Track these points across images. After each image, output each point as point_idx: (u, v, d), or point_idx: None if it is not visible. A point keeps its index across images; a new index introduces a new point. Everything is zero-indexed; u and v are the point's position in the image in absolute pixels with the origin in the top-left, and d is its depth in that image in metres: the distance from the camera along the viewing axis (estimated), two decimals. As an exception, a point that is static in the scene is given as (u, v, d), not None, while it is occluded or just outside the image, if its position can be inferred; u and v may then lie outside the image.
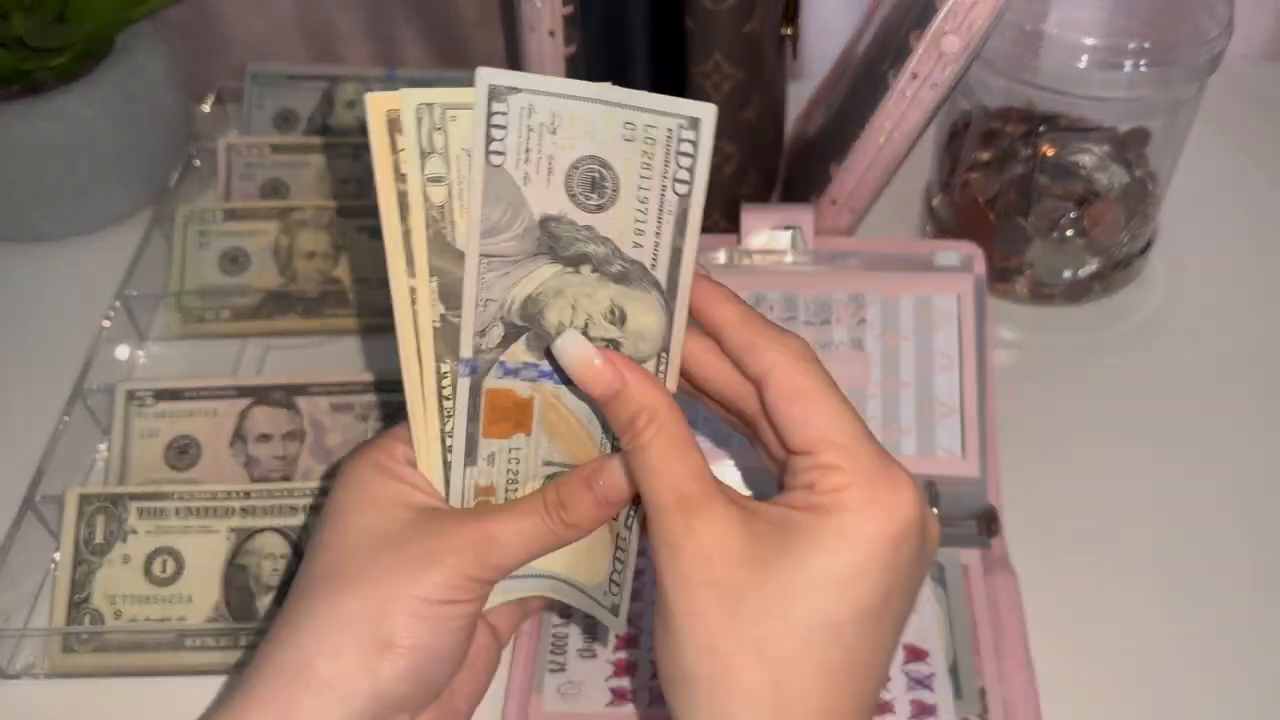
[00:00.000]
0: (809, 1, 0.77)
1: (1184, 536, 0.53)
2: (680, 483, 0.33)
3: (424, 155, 0.33)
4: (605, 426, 0.37)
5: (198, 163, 0.70)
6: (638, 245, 0.34)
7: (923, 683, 0.46)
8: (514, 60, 0.78)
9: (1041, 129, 0.60)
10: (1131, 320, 0.63)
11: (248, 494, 0.50)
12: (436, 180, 0.34)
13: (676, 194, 0.33)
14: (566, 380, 0.36)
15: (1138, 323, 0.63)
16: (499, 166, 0.33)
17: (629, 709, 0.45)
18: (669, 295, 0.34)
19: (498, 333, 0.36)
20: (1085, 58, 0.56)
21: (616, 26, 0.57)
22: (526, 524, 0.36)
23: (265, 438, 0.55)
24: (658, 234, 0.33)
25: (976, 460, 0.51)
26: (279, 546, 0.50)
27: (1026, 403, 0.57)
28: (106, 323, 0.60)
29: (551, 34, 0.53)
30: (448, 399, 0.37)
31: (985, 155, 0.62)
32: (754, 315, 0.35)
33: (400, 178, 0.34)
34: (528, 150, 0.33)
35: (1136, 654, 0.48)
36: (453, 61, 0.80)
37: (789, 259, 0.55)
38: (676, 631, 0.32)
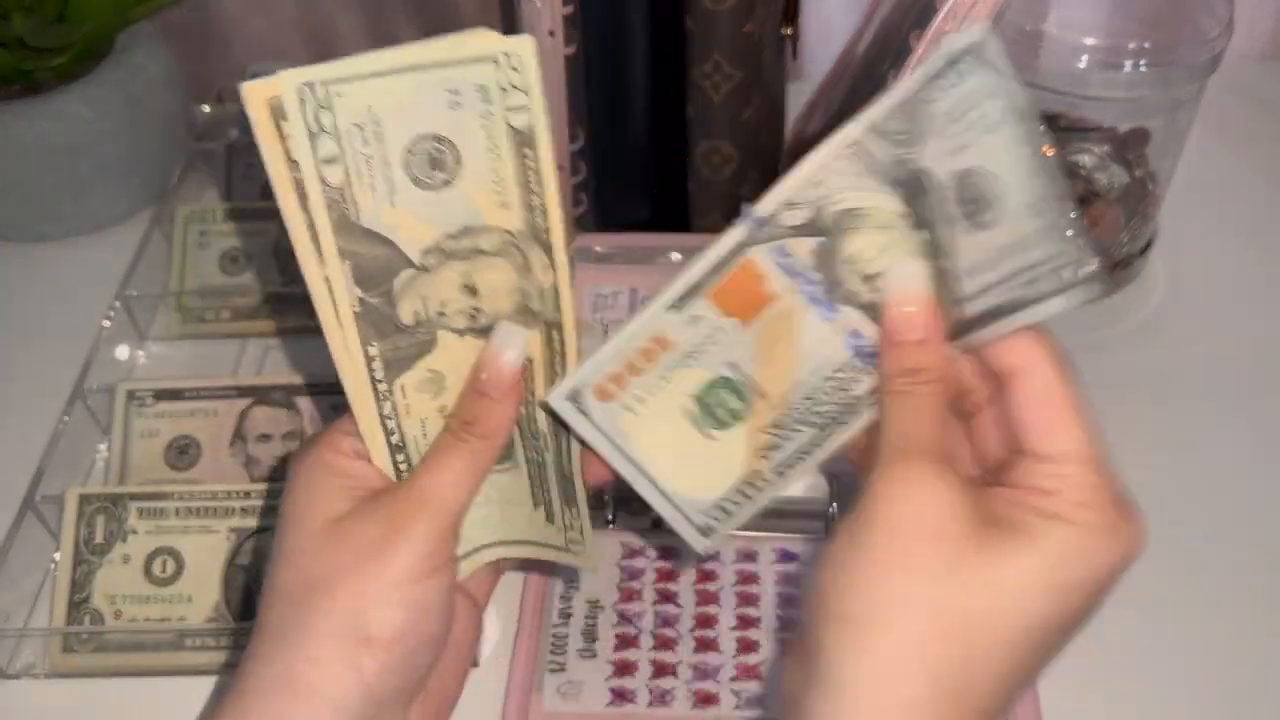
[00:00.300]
0: (809, 2, 0.76)
1: (1184, 536, 0.53)
2: (933, 438, 0.32)
3: (312, 137, 0.32)
4: (816, 371, 0.35)
5: (198, 163, 0.70)
6: (969, 275, 0.32)
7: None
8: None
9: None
10: (1131, 320, 0.63)
11: (248, 494, 0.50)
12: (330, 161, 0.32)
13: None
14: (826, 305, 0.34)
15: (1138, 323, 0.63)
16: (926, 101, 0.31)
17: (629, 709, 0.45)
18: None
19: (802, 215, 0.33)
20: (1085, 58, 0.56)
21: (616, 26, 0.57)
22: (451, 460, 0.36)
23: (265, 438, 0.55)
24: (987, 289, 0.32)
25: (976, 460, 0.51)
26: (279, 546, 0.50)
27: (1026, 403, 0.57)
28: (107, 323, 0.60)
29: (551, 34, 0.53)
30: (380, 382, 0.36)
31: (985, 155, 0.62)
32: None
33: (292, 165, 0.33)
34: (952, 114, 0.31)
35: (1136, 654, 0.48)
36: (453, 62, 0.80)
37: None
38: (884, 570, 0.30)
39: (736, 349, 0.35)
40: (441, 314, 0.35)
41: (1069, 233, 0.31)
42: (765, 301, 0.34)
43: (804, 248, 0.33)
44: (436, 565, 0.35)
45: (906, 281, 0.33)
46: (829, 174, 0.32)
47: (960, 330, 0.33)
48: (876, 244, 0.33)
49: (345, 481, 0.36)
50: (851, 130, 0.32)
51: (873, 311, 0.34)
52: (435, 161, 0.32)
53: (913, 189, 0.32)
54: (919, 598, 0.30)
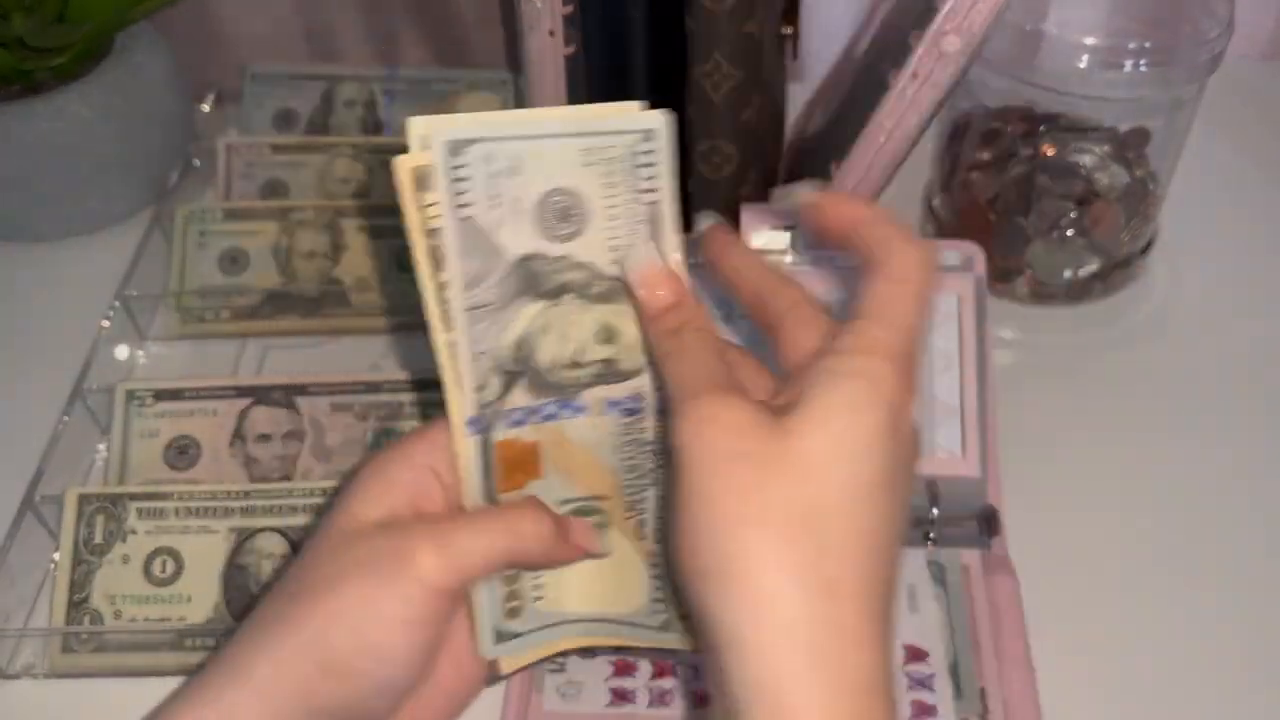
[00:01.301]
0: (809, 2, 0.76)
1: (1184, 536, 0.53)
2: (715, 372, 0.33)
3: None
4: (614, 449, 0.37)
5: (197, 163, 0.70)
6: (615, 262, 0.35)
7: (923, 683, 0.46)
8: (515, 61, 0.78)
9: (1042, 129, 0.60)
10: (1132, 320, 0.63)
11: (247, 494, 0.50)
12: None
13: (645, 204, 0.35)
14: (573, 409, 0.36)
15: (1138, 322, 0.63)
16: (469, 220, 0.34)
17: (629, 709, 0.45)
18: None
19: (497, 383, 0.36)
20: (1085, 57, 0.56)
21: (616, 26, 0.57)
22: (494, 524, 0.35)
23: (265, 438, 0.55)
24: (632, 247, 0.35)
25: (976, 460, 0.51)
26: (279, 546, 0.50)
27: (1026, 403, 0.57)
28: (106, 323, 0.60)
29: (551, 34, 0.53)
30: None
31: (985, 155, 0.62)
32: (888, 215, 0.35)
33: (431, 234, 0.34)
34: (494, 196, 0.34)
35: (1137, 654, 0.48)
36: (453, 62, 0.80)
37: (789, 258, 0.55)
38: (706, 514, 0.30)
39: (555, 490, 0.37)
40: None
41: (617, 139, 0.34)
42: (534, 450, 0.37)
43: (519, 396, 0.36)
44: (421, 617, 0.33)
45: (640, 263, 0.35)
46: (478, 345, 0.35)
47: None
48: (555, 342, 0.36)
49: (393, 490, 0.35)
50: (456, 306, 0.34)
51: (602, 379, 0.37)
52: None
53: (528, 283, 0.35)
54: (746, 519, 0.30)
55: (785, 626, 0.29)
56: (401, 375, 0.55)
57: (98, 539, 0.50)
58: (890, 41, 0.54)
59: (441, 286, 0.34)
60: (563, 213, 0.34)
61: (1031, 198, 0.61)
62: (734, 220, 0.56)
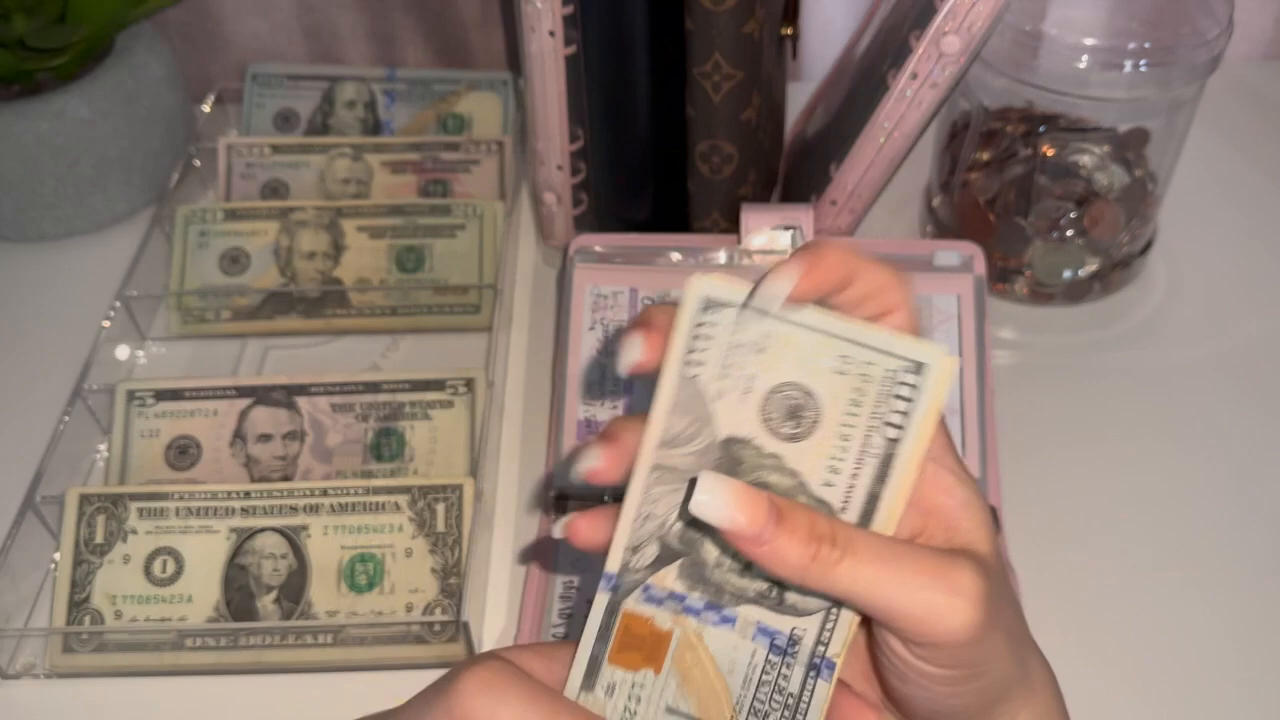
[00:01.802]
0: (809, 2, 0.77)
1: (1184, 535, 0.53)
2: (917, 567, 0.30)
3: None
4: (746, 681, 0.33)
5: (198, 163, 0.70)
6: (828, 485, 0.32)
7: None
8: (515, 61, 0.78)
9: (1041, 129, 0.60)
10: (1131, 320, 0.63)
11: (248, 494, 0.50)
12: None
13: (885, 437, 0.31)
14: (720, 618, 0.33)
15: (1137, 323, 0.63)
16: (693, 378, 0.31)
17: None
18: None
19: (651, 552, 0.33)
20: (1085, 58, 0.56)
21: (616, 27, 0.57)
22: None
23: (265, 438, 0.55)
24: (854, 476, 0.31)
25: (976, 460, 0.51)
26: (279, 546, 0.50)
27: (1026, 403, 0.57)
28: (107, 323, 0.60)
29: (552, 34, 0.53)
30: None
31: (985, 155, 0.62)
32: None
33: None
34: (727, 366, 0.31)
35: (1137, 653, 0.48)
36: (453, 62, 0.80)
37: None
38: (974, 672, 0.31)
39: (666, 694, 0.34)
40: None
41: (881, 359, 0.31)
42: (664, 640, 0.33)
43: (669, 576, 0.33)
44: None
45: (705, 508, 0.30)
46: (650, 505, 0.32)
47: (864, 518, 0.32)
48: (722, 540, 0.32)
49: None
50: (644, 459, 0.32)
51: (766, 601, 0.33)
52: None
53: (731, 466, 0.32)
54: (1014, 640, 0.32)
55: None
56: (402, 375, 0.55)
57: (98, 539, 0.50)
58: (890, 42, 0.54)
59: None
60: (792, 411, 0.32)
61: (1031, 198, 0.61)
62: (734, 220, 0.56)
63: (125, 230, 0.69)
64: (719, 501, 0.29)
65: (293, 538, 0.50)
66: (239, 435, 0.55)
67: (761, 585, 0.32)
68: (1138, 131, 0.60)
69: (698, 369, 0.32)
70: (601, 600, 0.33)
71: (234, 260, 0.64)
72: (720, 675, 0.33)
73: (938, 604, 0.29)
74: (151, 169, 0.70)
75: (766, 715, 0.33)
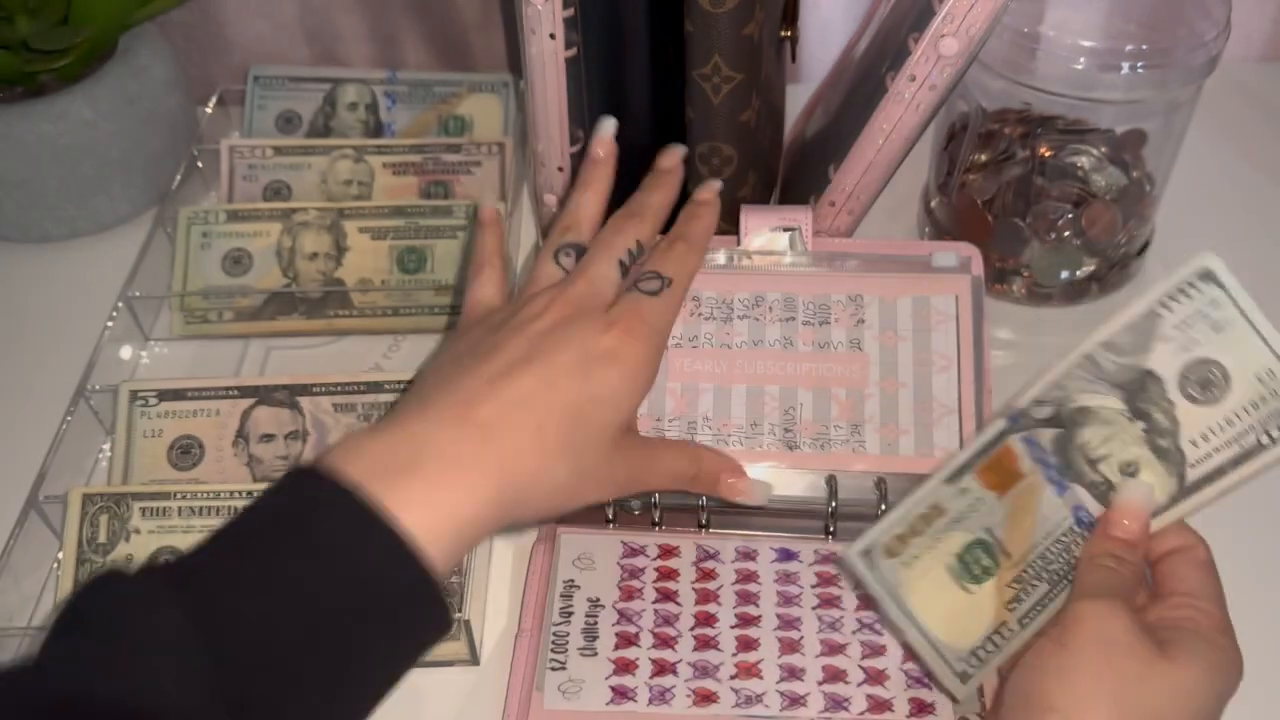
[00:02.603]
0: (808, 4, 0.77)
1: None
2: (1130, 592, 0.41)
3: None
4: (1050, 536, 0.43)
5: (200, 164, 0.71)
6: (1194, 444, 0.41)
7: (921, 681, 0.46)
8: (516, 63, 0.79)
9: (1039, 131, 0.60)
10: (1129, 321, 0.63)
11: (250, 494, 0.51)
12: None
13: (1258, 439, 0.40)
14: (1060, 484, 0.43)
15: (1135, 323, 0.63)
16: (1159, 316, 0.41)
17: (629, 707, 0.46)
18: (1181, 494, 0.42)
19: (1046, 412, 0.43)
20: (1083, 60, 0.56)
21: (616, 29, 0.58)
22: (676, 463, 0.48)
23: (268, 438, 0.55)
24: (1216, 450, 0.41)
25: (974, 460, 0.51)
26: (281, 545, 0.50)
27: (1024, 403, 0.58)
28: (110, 323, 0.60)
29: (552, 36, 0.54)
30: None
31: (983, 157, 0.63)
32: None
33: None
34: (1186, 324, 0.41)
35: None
36: (454, 65, 0.80)
37: (788, 260, 0.55)
38: (1075, 675, 0.38)
39: (993, 516, 0.43)
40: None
41: None
42: (1017, 478, 0.43)
43: (1046, 436, 0.43)
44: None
45: (1133, 499, 0.42)
46: (1068, 379, 0.42)
47: (1183, 493, 0.42)
48: (1101, 435, 0.42)
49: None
50: (1087, 345, 0.42)
51: (1095, 490, 0.42)
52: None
53: (1135, 388, 0.42)
54: (1112, 695, 0.38)
55: None
56: (404, 376, 0.56)
57: (101, 538, 0.50)
58: (889, 44, 0.55)
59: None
60: (1206, 383, 0.41)
61: (1029, 199, 0.61)
62: (733, 221, 0.56)
63: (128, 231, 0.70)
64: (1138, 511, 0.42)
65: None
66: (241, 435, 0.55)
67: (1098, 477, 0.42)
68: (1135, 133, 0.60)
69: (1165, 311, 0.41)
70: (998, 425, 0.43)
71: (236, 261, 0.64)
72: (1036, 523, 0.43)
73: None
74: (154, 170, 0.70)
75: (1048, 564, 0.43)
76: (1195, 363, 0.41)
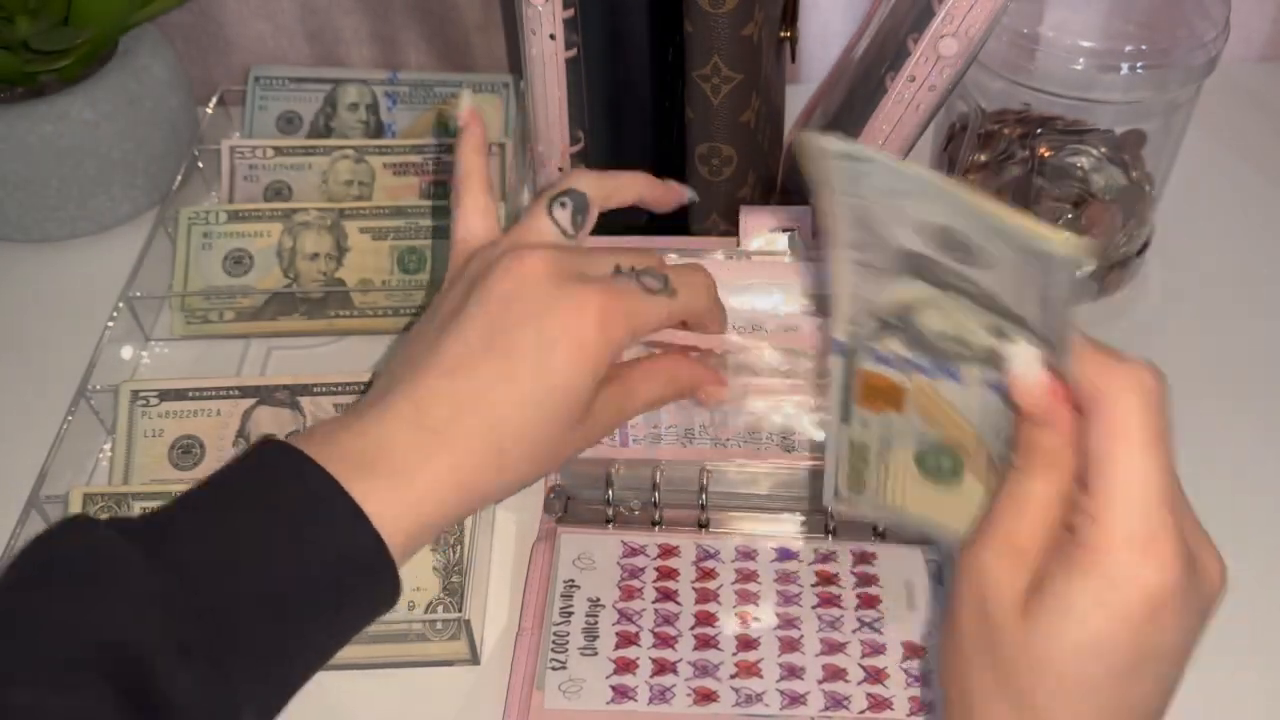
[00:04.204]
0: (807, 5, 0.77)
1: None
2: (1018, 529, 0.32)
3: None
4: (983, 416, 0.36)
5: (201, 165, 0.71)
6: (1017, 307, 0.33)
7: (921, 679, 0.46)
8: (516, 64, 0.79)
9: (1038, 131, 0.61)
10: (1128, 321, 0.63)
11: (251, 493, 0.51)
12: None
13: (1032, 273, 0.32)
14: (948, 372, 0.36)
15: (1135, 323, 0.63)
16: (860, 204, 0.34)
17: (630, 706, 0.46)
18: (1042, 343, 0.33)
19: (870, 326, 0.38)
20: (1082, 60, 0.56)
21: (616, 30, 0.58)
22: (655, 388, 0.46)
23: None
24: (1020, 289, 0.33)
25: (974, 459, 0.51)
26: (282, 545, 0.50)
27: (1024, 403, 0.58)
28: (111, 323, 0.60)
29: (552, 37, 0.54)
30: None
31: (983, 157, 0.63)
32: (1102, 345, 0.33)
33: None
34: (891, 205, 0.34)
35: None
36: (455, 65, 0.80)
37: (787, 259, 0.55)
38: (953, 661, 0.34)
39: (912, 429, 0.39)
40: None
41: (1037, 240, 0.30)
42: (901, 391, 0.38)
43: (893, 344, 0.37)
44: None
45: (1013, 371, 0.33)
46: (857, 291, 0.37)
47: (1042, 342, 0.34)
48: (935, 316, 0.36)
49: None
50: (839, 253, 0.37)
51: (992, 362, 0.34)
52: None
53: (914, 266, 0.35)
54: (986, 680, 0.32)
55: None
56: (404, 375, 0.56)
57: (103, 538, 0.50)
58: (888, 45, 0.55)
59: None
60: (961, 245, 0.33)
61: (1028, 199, 0.61)
62: (733, 222, 0.56)
63: (129, 232, 0.70)
64: (1032, 382, 0.32)
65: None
66: (242, 435, 0.55)
67: (973, 350, 0.35)
68: (1134, 133, 0.61)
69: (856, 200, 0.35)
70: (837, 362, 0.39)
71: (237, 261, 0.64)
72: (960, 413, 0.37)
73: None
74: (155, 171, 0.70)
75: (1004, 431, 0.35)
76: (934, 233, 0.33)
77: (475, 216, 0.46)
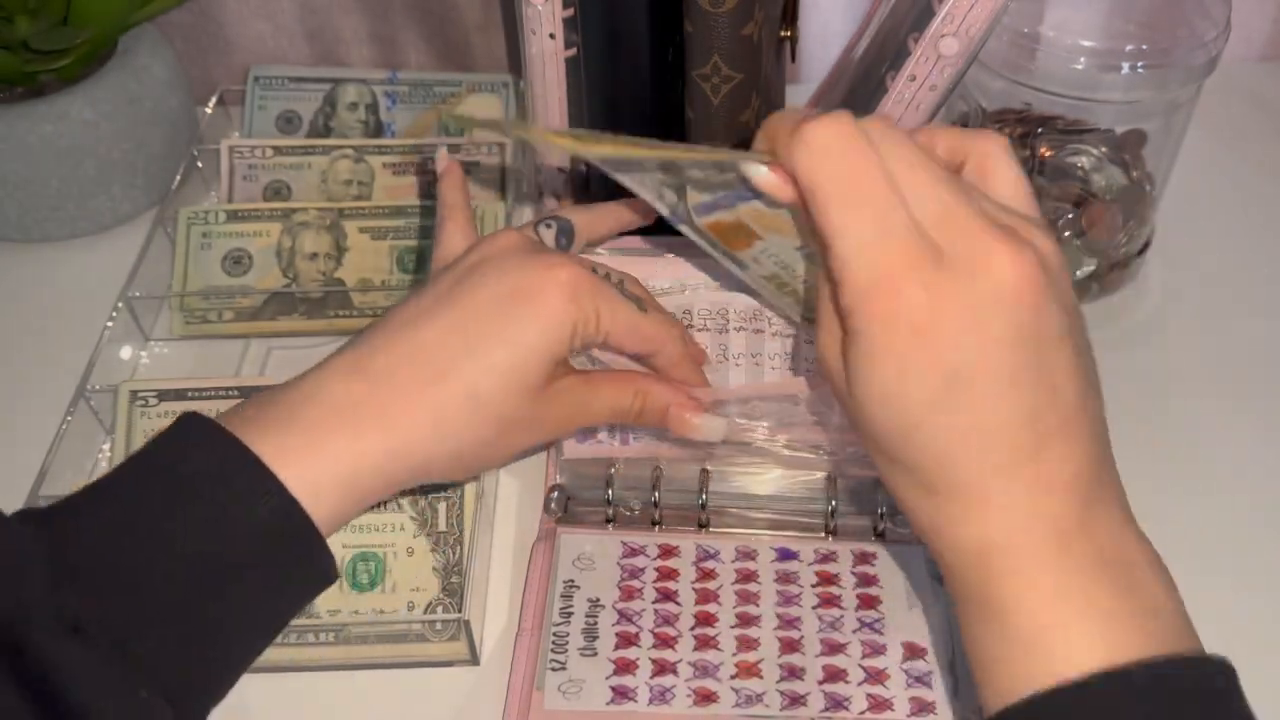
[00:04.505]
0: (807, 5, 0.77)
1: (1180, 536, 0.53)
2: (822, 307, 0.37)
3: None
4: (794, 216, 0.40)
5: (200, 165, 0.71)
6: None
7: (921, 680, 0.46)
8: (516, 63, 0.79)
9: (1039, 131, 0.61)
10: (1129, 321, 0.63)
11: (251, 493, 0.51)
12: None
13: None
14: (753, 195, 0.38)
15: (1135, 323, 0.63)
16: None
17: (630, 707, 0.46)
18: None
19: (671, 195, 0.41)
20: (1083, 60, 0.56)
21: (616, 30, 0.58)
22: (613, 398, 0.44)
23: (268, 438, 0.55)
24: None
25: (974, 460, 0.51)
26: (282, 545, 0.50)
27: (1024, 403, 0.58)
28: (110, 323, 0.60)
29: (552, 36, 0.54)
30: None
31: (983, 157, 0.62)
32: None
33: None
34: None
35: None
36: (454, 65, 0.80)
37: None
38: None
39: (784, 245, 0.43)
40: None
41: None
42: (740, 225, 0.42)
43: (697, 198, 0.41)
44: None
45: (756, 176, 0.36)
46: (639, 187, 0.42)
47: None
48: (688, 165, 0.40)
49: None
50: (621, 180, 0.42)
51: (735, 181, 0.39)
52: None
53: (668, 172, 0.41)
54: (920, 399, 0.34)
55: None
56: (403, 375, 0.56)
57: (102, 538, 0.50)
58: (888, 44, 0.55)
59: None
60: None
61: (1029, 199, 0.61)
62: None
63: (128, 231, 0.70)
64: (771, 180, 0.36)
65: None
66: (242, 435, 0.55)
67: (730, 178, 0.39)
68: (1135, 133, 0.61)
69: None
70: (687, 230, 0.44)
71: (236, 261, 0.64)
72: (787, 218, 0.40)
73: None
74: (154, 170, 0.70)
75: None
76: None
77: (457, 237, 0.46)
